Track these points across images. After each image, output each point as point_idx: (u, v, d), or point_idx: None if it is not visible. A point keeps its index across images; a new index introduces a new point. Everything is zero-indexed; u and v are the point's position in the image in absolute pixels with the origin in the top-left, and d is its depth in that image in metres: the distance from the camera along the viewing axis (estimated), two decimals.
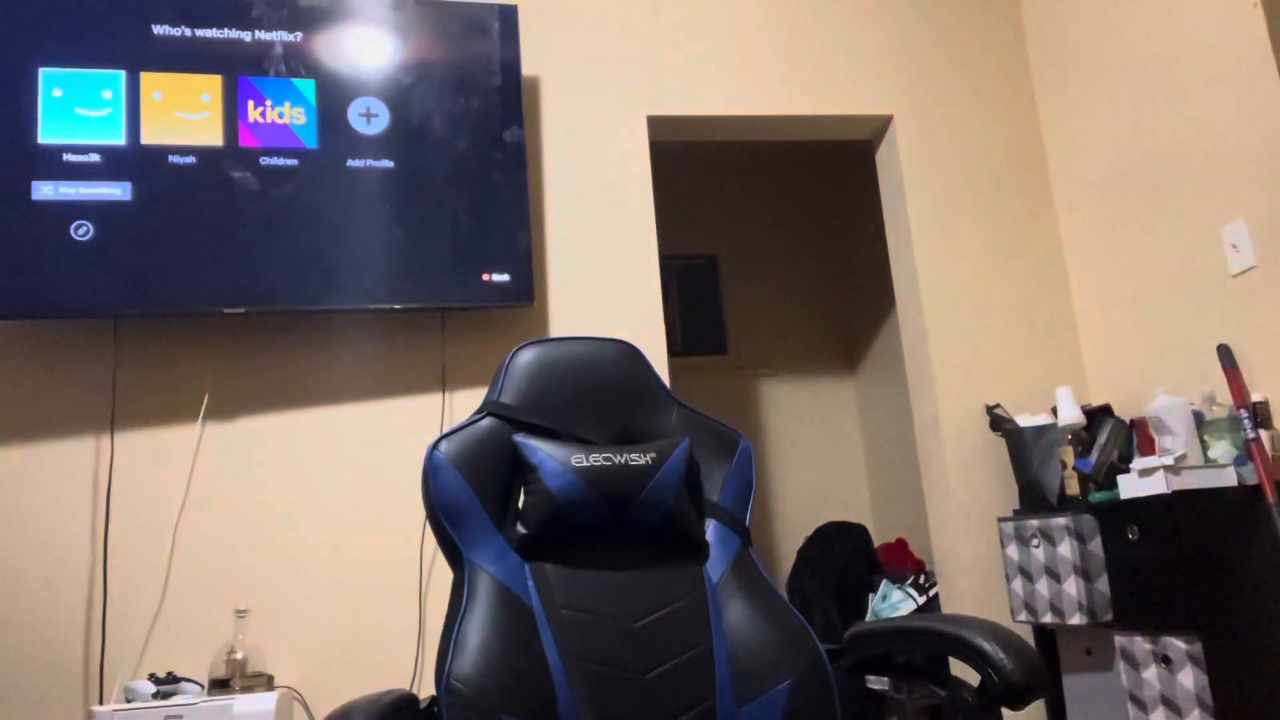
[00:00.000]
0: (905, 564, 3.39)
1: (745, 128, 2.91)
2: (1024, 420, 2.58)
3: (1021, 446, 2.54)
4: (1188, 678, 1.95)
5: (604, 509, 1.39)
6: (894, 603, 3.09)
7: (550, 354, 1.52)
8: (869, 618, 3.18)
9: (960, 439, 2.70)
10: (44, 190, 2.22)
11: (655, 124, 2.79)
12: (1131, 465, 2.16)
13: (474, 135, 2.49)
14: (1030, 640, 2.47)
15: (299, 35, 2.42)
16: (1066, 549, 2.26)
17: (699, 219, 4.28)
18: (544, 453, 1.39)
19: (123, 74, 2.30)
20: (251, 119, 2.36)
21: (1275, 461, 2.07)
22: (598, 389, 1.52)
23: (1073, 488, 2.40)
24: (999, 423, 2.66)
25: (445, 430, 1.65)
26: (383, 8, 2.49)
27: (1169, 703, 1.99)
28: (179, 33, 2.35)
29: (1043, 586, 2.33)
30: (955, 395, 2.72)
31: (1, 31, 2.26)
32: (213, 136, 2.33)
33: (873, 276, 3.95)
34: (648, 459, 1.42)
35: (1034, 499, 2.49)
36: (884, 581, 3.20)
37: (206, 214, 2.29)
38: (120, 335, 2.36)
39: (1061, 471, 2.43)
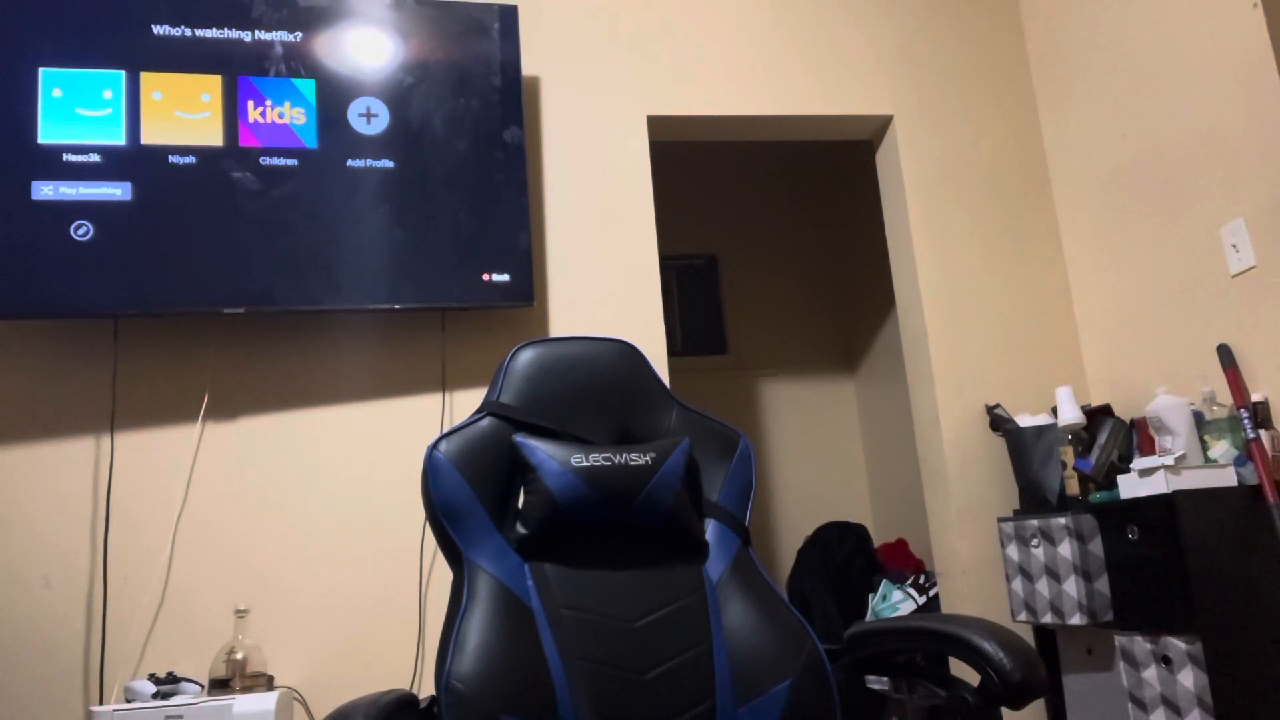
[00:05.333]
0: (905, 564, 3.39)
1: (745, 128, 2.91)
2: (1024, 420, 2.58)
3: (1021, 446, 2.54)
4: (1188, 678, 1.95)
5: (604, 509, 1.39)
6: (894, 603, 3.09)
7: (550, 354, 1.52)
8: (869, 618, 3.18)
9: (960, 439, 2.70)
10: (44, 190, 2.22)
11: (655, 124, 2.79)
12: (1131, 465, 2.16)
13: (474, 135, 2.49)
14: (1030, 640, 2.47)
15: (299, 35, 2.42)
16: (1066, 549, 2.26)
17: (699, 219, 4.29)
18: (544, 453, 1.39)
19: (123, 74, 2.30)
20: (251, 119, 2.36)
21: (1275, 461, 2.07)
22: (597, 389, 1.52)
23: (1073, 488, 2.40)
24: (999, 423, 2.66)
25: (445, 430, 1.65)
26: (383, 8, 2.49)
27: (1169, 703, 1.99)
28: (179, 33, 2.35)
29: (1043, 586, 2.33)
30: (955, 395, 2.72)
31: (1, 31, 2.26)
32: (213, 136, 2.33)
33: (873, 276, 3.95)
34: (647, 459, 1.42)
35: (1034, 499, 2.49)
36: (884, 581, 3.20)
37: (206, 214, 2.29)
38: (120, 335, 2.36)
39: (1061, 471, 2.43)
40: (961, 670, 2.04)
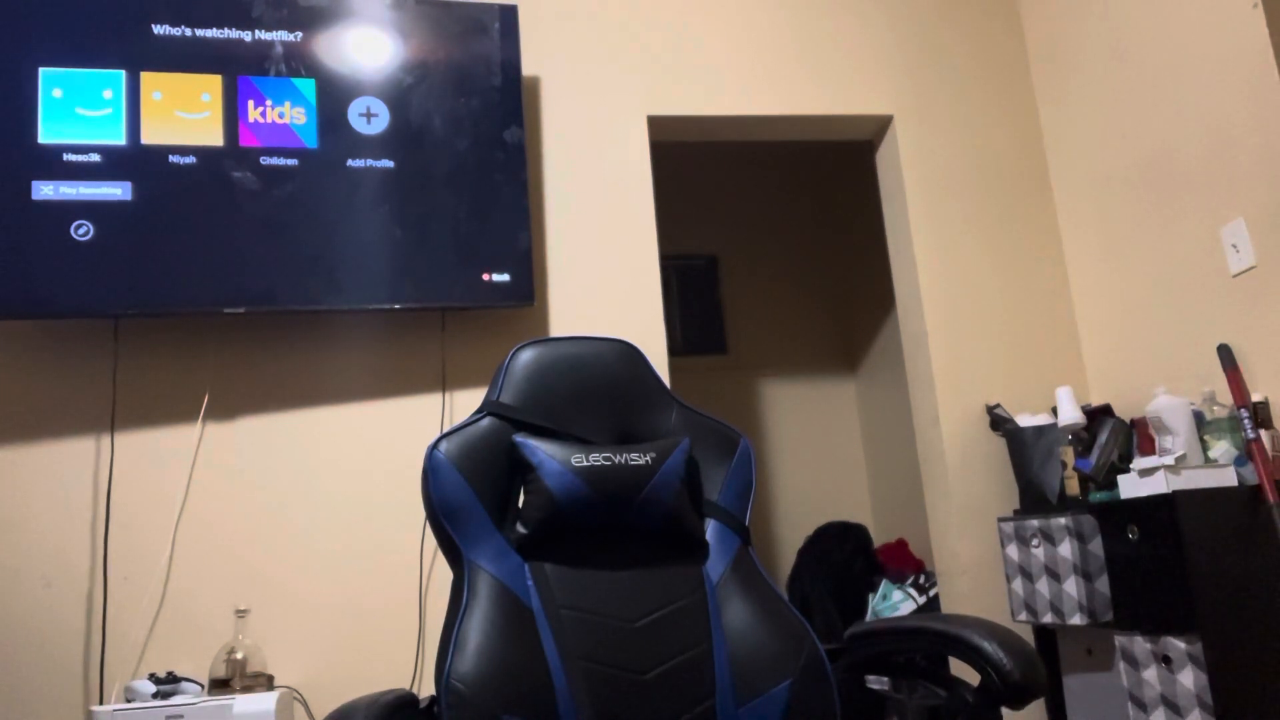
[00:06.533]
0: (905, 564, 3.39)
1: (745, 128, 2.91)
2: (1024, 420, 2.58)
3: (1021, 446, 2.54)
4: (1188, 678, 1.95)
5: (604, 509, 1.39)
6: (894, 603, 3.09)
7: (550, 354, 1.52)
8: (869, 618, 3.18)
9: (960, 439, 2.70)
10: (44, 190, 2.22)
11: (655, 124, 2.79)
12: (1131, 465, 2.16)
13: (474, 135, 2.49)
14: (1030, 640, 2.47)
15: (299, 35, 2.42)
16: (1066, 549, 2.26)
17: (699, 219, 4.28)
18: (544, 452, 1.39)
19: (123, 74, 2.30)
20: (252, 119, 2.36)
21: (1275, 461, 2.07)
22: (598, 389, 1.52)
23: (1073, 488, 2.40)
24: (999, 423, 2.66)
25: (445, 430, 1.65)
26: (383, 7, 2.49)
27: (1169, 703, 1.99)
28: (179, 32, 2.35)
29: (1043, 586, 2.33)
30: (955, 395, 2.72)
31: (1, 31, 2.26)
32: (213, 136, 2.33)
33: (873, 276, 3.95)
34: (647, 459, 1.42)
35: (1034, 499, 2.49)
36: (884, 581, 3.20)
37: (206, 214, 2.29)
38: (120, 335, 2.36)
39: (1061, 471, 2.43)
40: (961, 670, 2.04)
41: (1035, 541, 2.36)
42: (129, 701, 2.01)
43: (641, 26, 2.82)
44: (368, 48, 2.46)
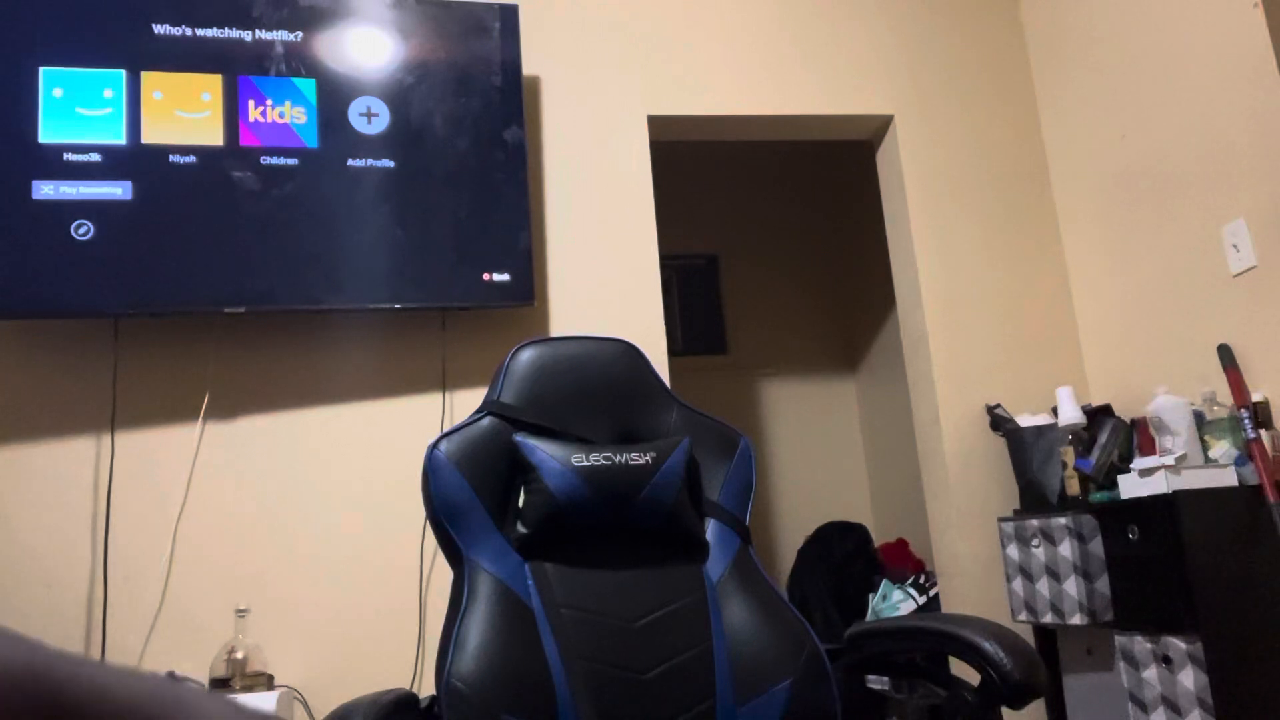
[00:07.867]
0: (905, 564, 3.39)
1: (745, 128, 2.91)
2: (1024, 420, 2.58)
3: (1022, 446, 2.54)
4: (1188, 678, 1.95)
5: (604, 508, 1.39)
6: (894, 603, 3.09)
7: (550, 353, 1.52)
8: (869, 618, 3.18)
9: (960, 439, 2.69)
10: (44, 190, 2.22)
11: (655, 124, 2.79)
12: (1132, 465, 2.15)
13: (474, 135, 2.48)
14: (1030, 640, 2.47)
15: (299, 35, 2.42)
16: (1067, 549, 2.26)
17: (699, 219, 4.28)
18: (544, 452, 1.39)
19: (123, 73, 2.30)
20: (252, 118, 2.36)
21: (1275, 461, 2.07)
22: (598, 388, 1.52)
23: (1073, 488, 2.40)
24: (999, 423, 2.66)
25: (445, 430, 1.65)
26: (383, 7, 2.49)
27: (1169, 703, 1.99)
28: (180, 32, 2.35)
29: (1043, 586, 2.33)
30: (955, 395, 2.72)
31: (2, 31, 2.26)
32: (213, 136, 2.33)
33: (873, 276, 3.95)
34: (647, 458, 1.42)
35: (1034, 499, 2.49)
36: (884, 581, 3.20)
37: (207, 214, 2.29)
38: (120, 335, 2.36)
39: (1062, 471, 2.43)
40: (962, 670, 2.04)
41: (1035, 541, 2.36)
42: None
43: (641, 26, 2.82)
44: (368, 47, 2.46)
